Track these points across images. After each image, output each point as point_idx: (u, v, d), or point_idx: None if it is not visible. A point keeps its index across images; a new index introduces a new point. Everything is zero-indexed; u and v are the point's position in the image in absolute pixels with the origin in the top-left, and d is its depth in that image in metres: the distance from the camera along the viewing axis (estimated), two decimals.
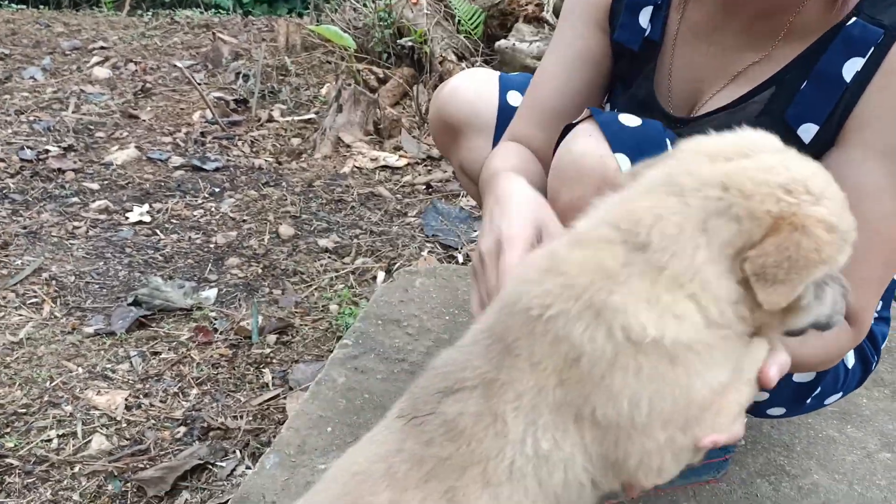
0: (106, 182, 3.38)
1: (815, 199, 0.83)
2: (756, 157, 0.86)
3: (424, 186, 3.35)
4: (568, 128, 1.19)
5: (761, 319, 0.87)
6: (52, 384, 2.11)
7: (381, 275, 2.66)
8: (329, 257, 2.81)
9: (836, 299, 0.92)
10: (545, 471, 0.85)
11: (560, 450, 0.85)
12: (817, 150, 1.14)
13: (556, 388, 0.84)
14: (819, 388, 1.36)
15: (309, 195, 3.29)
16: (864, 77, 1.09)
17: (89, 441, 1.92)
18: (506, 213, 1.11)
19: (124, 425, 1.98)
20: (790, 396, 1.37)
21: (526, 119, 1.41)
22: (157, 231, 2.99)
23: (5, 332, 2.36)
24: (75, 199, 3.19)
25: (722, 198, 0.83)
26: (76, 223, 3.01)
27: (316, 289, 2.60)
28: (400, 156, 3.61)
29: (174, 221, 3.07)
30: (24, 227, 2.94)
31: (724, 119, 1.21)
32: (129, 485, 1.79)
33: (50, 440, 1.92)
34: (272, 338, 2.32)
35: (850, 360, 1.39)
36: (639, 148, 1.11)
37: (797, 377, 1.32)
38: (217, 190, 3.35)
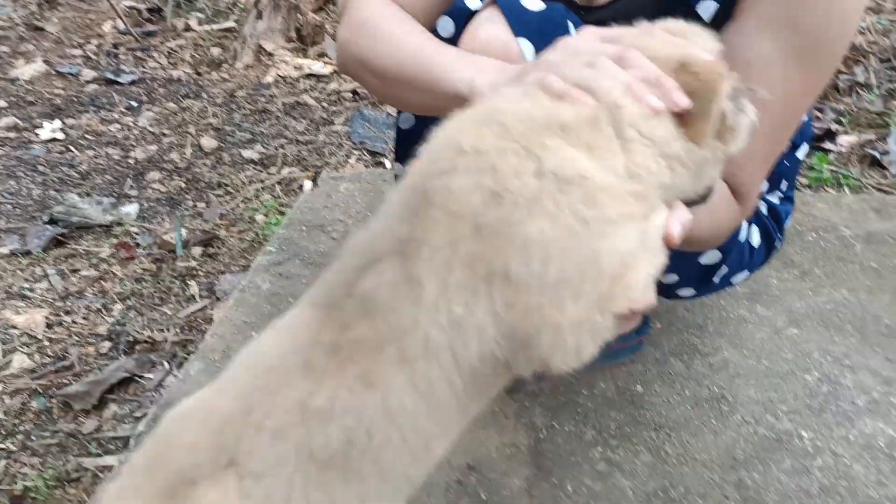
0: (13, 99, 3.21)
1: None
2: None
3: (351, 94, 3.28)
4: (473, 14, 1.16)
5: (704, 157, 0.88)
6: None
7: (307, 184, 2.62)
8: (254, 168, 2.75)
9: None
10: (460, 341, 0.81)
11: (472, 315, 0.80)
12: (717, 26, 1.14)
13: (470, 238, 0.79)
14: (725, 268, 1.40)
15: (231, 106, 3.19)
16: None
17: (9, 361, 1.88)
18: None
19: (46, 343, 1.94)
20: (697, 276, 1.41)
21: None
22: (72, 147, 2.87)
23: None
24: None
25: None
26: None
27: (242, 200, 2.56)
28: (325, 63, 3.51)
29: (89, 137, 2.95)
30: None
31: (626, 4, 1.20)
32: (54, 401, 1.78)
33: None
34: (197, 250, 2.28)
35: (756, 238, 1.43)
36: (541, 32, 1.10)
37: (702, 258, 1.35)
38: (134, 104, 3.22)
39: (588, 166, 0.80)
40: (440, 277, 0.79)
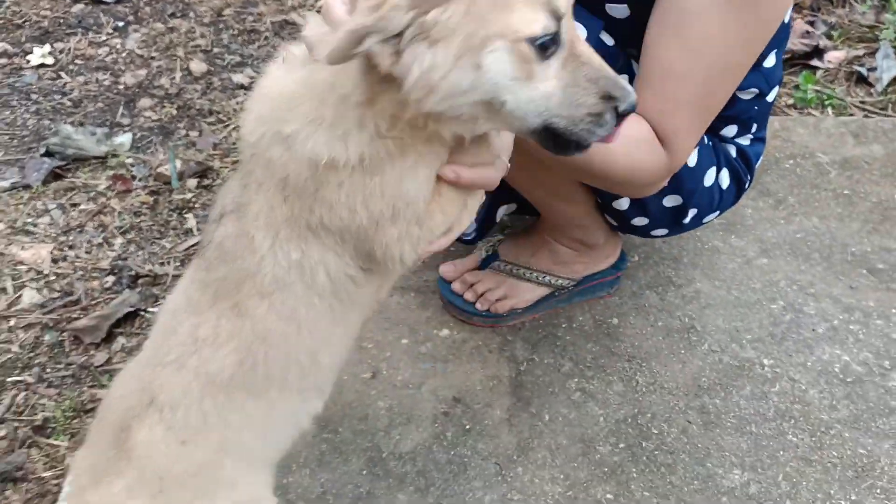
0: (0, 21, 3.18)
1: None
2: None
3: None
4: None
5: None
6: None
7: None
8: (244, 94, 2.77)
9: (575, 93, 0.84)
10: (307, 275, 0.96)
11: (310, 256, 0.95)
12: None
13: (283, 204, 0.93)
14: (694, 209, 1.48)
15: (219, 26, 3.16)
16: None
17: (20, 296, 1.98)
18: None
19: (53, 278, 2.03)
20: (667, 218, 1.48)
21: None
22: (62, 74, 2.87)
23: None
24: None
25: None
26: None
27: (233, 128, 2.59)
28: None
29: (79, 62, 2.95)
30: None
31: None
32: (64, 334, 1.88)
33: None
34: (192, 182, 2.34)
35: (725, 181, 1.50)
36: None
37: (665, 201, 1.42)
38: (121, 24, 3.19)
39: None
40: (268, 233, 0.95)
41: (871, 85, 2.69)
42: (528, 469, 1.42)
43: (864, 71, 2.71)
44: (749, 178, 1.53)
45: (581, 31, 1.21)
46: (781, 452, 1.44)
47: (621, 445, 1.46)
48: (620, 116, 0.85)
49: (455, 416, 1.51)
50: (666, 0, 1.14)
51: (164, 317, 1.06)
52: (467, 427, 1.49)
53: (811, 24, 2.98)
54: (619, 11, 1.27)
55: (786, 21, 1.31)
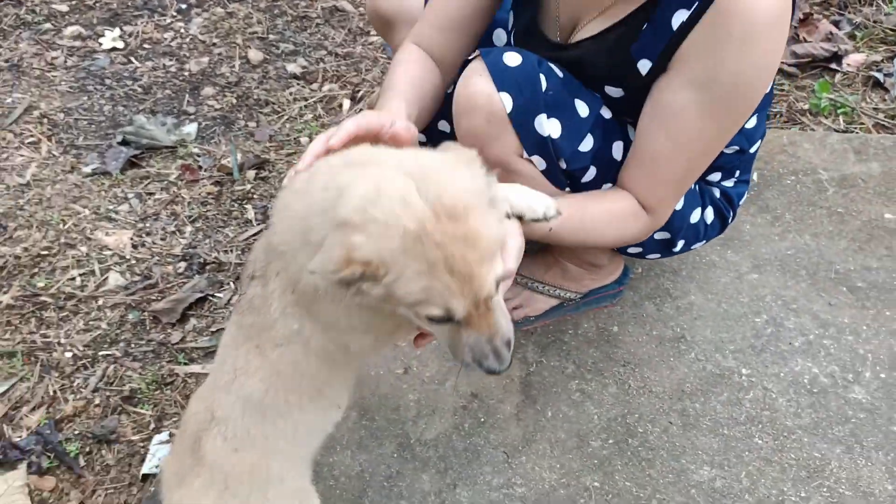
0: (74, 3, 3.45)
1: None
2: None
3: None
4: (467, 62, 1.44)
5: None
6: (65, 226, 2.45)
7: (346, 102, 2.90)
8: (297, 84, 3.02)
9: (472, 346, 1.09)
10: (305, 341, 1.21)
11: (304, 329, 1.20)
12: (651, 80, 1.40)
13: (292, 294, 1.18)
14: (683, 241, 1.71)
15: (274, 11, 3.39)
16: (687, 26, 1.31)
17: (106, 278, 2.30)
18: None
19: (133, 262, 2.35)
20: (658, 247, 1.72)
21: (429, 23, 1.60)
22: (132, 59, 3.15)
23: (12, 174, 2.66)
24: (48, 25, 3.30)
25: None
26: (53, 53, 3.16)
27: (287, 119, 2.85)
28: None
29: (146, 47, 3.22)
30: (7, 61, 3.10)
31: (590, 47, 1.44)
32: (145, 314, 2.21)
33: (73, 279, 2.30)
34: (251, 173, 2.62)
35: (710, 217, 1.73)
36: (518, 85, 1.38)
37: (656, 235, 1.66)
38: (184, 6, 3.44)
39: None
40: (279, 305, 1.20)
41: (887, 90, 2.83)
42: (530, 458, 1.71)
43: (880, 77, 2.84)
44: (732, 213, 1.76)
45: (584, 109, 1.45)
46: (747, 453, 1.71)
47: (610, 441, 1.73)
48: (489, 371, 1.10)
49: (472, 410, 1.80)
50: (656, 96, 1.37)
51: (220, 349, 1.35)
52: (482, 420, 1.78)
53: (836, 23, 3.10)
54: (615, 92, 1.49)
55: (766, 91, 1.52)
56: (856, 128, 2.64)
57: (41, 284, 2.27)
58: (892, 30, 3.05)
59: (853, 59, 2.95)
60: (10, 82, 3.01)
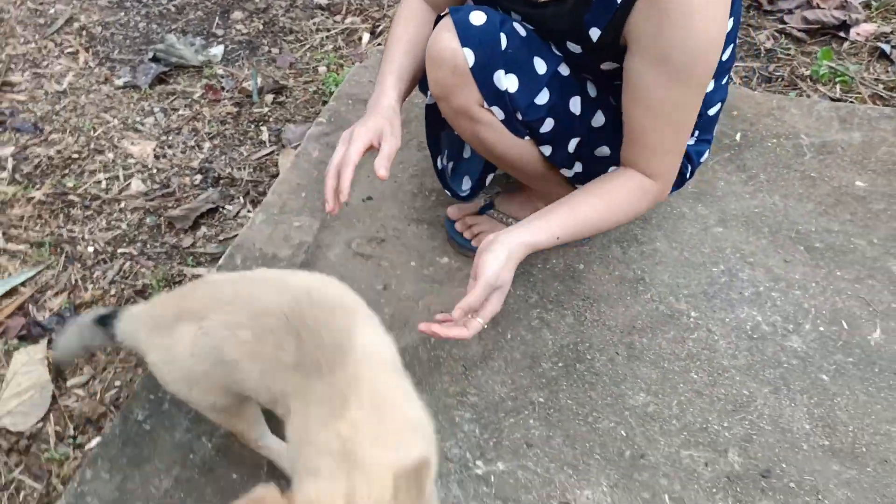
0: None
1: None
2: None
3: None
4: (440, 18, 1.60)
5: None
6: (95, 133, 2.66)
7: (366, 36, 3.04)
8: (322, 14, 3.16)
9: None
10: None
11: None
12: (602, 47, 1.54)
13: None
14: None
15: None
16: (629, 1, 1.44)
17: (129, 184, 2.52)
18: (367, 119, 1.59)
19: (154, 171, 2.57)
20: None
21: None
22: None
23: (51, 81, 2.87)
24: None
25: None
26: None
27: (308, 48, 3.01)
28: None
29: None
30: None
31: (554, 9, 1.58)
32: (161, 219, 2.43)
33: (99, 182, 2.52)
34: (269, 97, 2.80)
35: None
36: (480, 42, 1.54)
37: None
38: None
39: None
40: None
41: (892, 62, 2.89)
42: (486, 372, 1.91)
43: (887, 48, 2.90)
44: (690, 169, 1.90)
45: (542, 66, 1.60)
46: (682, 385, 1.89)
47: (560, 364, 1.92)
48: None
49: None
50: (626, 78, 1.51)
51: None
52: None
53: None
54: (575, 49, 1.63)
55: (724, 59, 1.65)
56: (852, 97, 2.72)
57: (70, 184, 2.50)
58: None
59: (863, 29, 3.00)
60: None
